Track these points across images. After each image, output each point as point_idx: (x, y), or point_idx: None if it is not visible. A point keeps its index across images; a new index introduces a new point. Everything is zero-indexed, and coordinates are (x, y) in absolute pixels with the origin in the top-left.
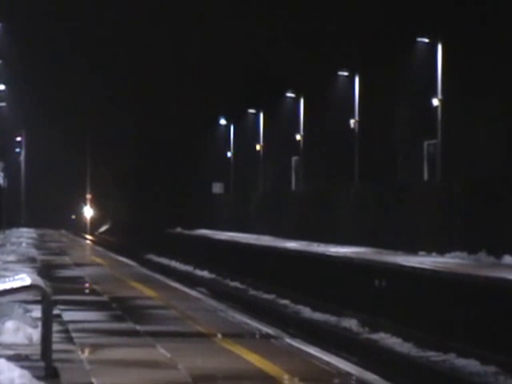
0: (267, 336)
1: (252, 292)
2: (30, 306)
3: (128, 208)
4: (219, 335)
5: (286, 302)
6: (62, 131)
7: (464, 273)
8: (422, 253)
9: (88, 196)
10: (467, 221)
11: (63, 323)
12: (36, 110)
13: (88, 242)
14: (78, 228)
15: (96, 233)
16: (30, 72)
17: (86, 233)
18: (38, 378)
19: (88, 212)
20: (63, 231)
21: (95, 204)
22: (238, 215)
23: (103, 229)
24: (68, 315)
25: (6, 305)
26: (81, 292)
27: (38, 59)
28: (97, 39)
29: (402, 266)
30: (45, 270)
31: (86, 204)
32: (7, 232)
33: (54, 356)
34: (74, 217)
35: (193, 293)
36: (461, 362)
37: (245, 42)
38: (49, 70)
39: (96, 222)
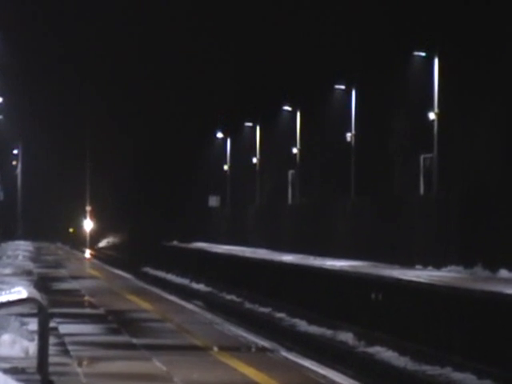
0: (263, 349)
1: (248, 305)
2: (26, 319)
3: (125, 221)
4: (215, 348)
5: (282, 315)
6: (60, 144)
7: (460, 286)
8: (418, 266)
9: (88, 208)
10: (463, 234)
11: (60, 336)
12: (32, 122)
13: (84, 254)
14: (77, 241)
15: (96, 247)
16: (27, 84)
17: (85, 247)
18: None
19: (88, 225)
20: (59, 244)
21: (95, 217)
22: (234, 228)
23: (104, 243)
24: (64, 328)
25: (2, 318)
26: (77, 305)
27: (35, 71)
28: (95, 51)
29: (398, 280)
30: (41, 283)
31: (85, 217)
32: (3, 245)
33: (51, 369)
34: (71, 230)
35: (189, 306)
36: (457, 375)
37: (242, 56)
38: (46, 82)
39: (96, 236)
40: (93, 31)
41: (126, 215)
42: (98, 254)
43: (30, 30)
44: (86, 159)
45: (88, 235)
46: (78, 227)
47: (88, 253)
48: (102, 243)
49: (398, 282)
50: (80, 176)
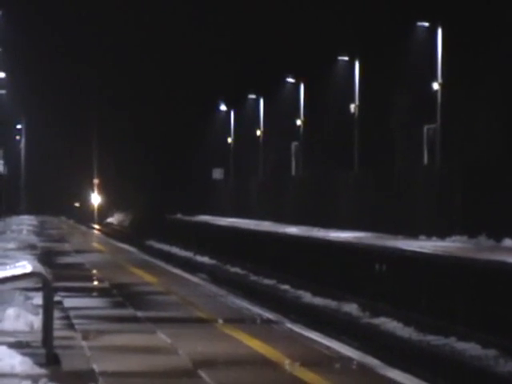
0: (268, 321)
1: (252, 277)
2: (30, 293)
3: (130, 195)
4: (220, 321)
5: (286, 287)
6: (63, 118)
7: (464, 256)
8: (422, 237)
9: (95, 181)
10: (467, 205)
11: (64, 310)
12: (36, 96)
13: (88, 228)
14: (83, 216)
15: (104, 222)
16: (30, 59)
17: (92, 222)
18: (39, 364)
19: (95, 199)
20: (63, 218)
21: (103, 190)
22: (238, 201)
23: (116, 219)
24: (69, 302)
25: (6, 292)
26: (82, 279)
27: (38, 46)
28: (98, 24)
29: (402, 251)
30: (45, 257)
31: (93, 190)
32: (7, 219)
33: (55, 343)
34: (77, 204)
35: (193, 279)
36: (461, 345)
37: (245, 28)
38: (50, 55)
39: (103, 210)
40: (95, 13)
41: (131, 190)
42: (103, 228)
43: (34, 4)
44: (92, 132)
45: (96, 210)
46: (85, 201)
47: (94, 227)
48: (110, 219)
49: (402, 253)
50: (86, 149)
